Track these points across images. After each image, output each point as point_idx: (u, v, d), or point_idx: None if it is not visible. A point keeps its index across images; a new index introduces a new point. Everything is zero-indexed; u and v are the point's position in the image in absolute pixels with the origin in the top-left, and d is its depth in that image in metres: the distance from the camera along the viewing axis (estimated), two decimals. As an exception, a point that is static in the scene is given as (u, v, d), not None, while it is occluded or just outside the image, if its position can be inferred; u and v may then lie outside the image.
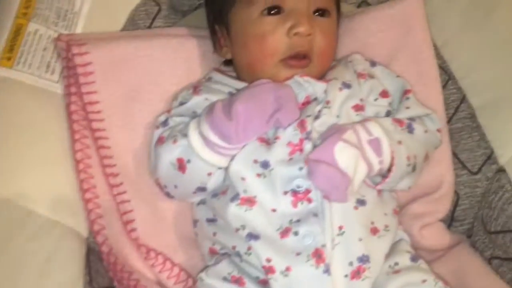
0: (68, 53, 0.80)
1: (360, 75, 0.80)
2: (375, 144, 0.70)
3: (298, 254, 0.67)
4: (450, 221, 0.87)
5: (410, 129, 0.76)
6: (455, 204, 0.86)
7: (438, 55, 0.89)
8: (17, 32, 0.81)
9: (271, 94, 0.70)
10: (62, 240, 0.72)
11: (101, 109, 0.80)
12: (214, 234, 0.75)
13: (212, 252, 0.76)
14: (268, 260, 0.67)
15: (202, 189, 0.75)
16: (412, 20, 0.87)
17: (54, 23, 0.84)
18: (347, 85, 0.77)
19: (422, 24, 0.87)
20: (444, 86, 0.88)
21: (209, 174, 0.73)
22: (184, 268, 0.80)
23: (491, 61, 0.85)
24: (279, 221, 0.69)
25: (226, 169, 0.73)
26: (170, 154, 0.73)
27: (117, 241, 0.77)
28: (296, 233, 0.68)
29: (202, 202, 0.78)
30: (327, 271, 0.66)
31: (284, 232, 0.69)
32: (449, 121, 0.88)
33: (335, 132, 0.70)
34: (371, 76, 0.80)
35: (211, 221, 0.76)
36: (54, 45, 0.82)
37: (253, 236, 0.69)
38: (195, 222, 0.80)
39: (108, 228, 0.76)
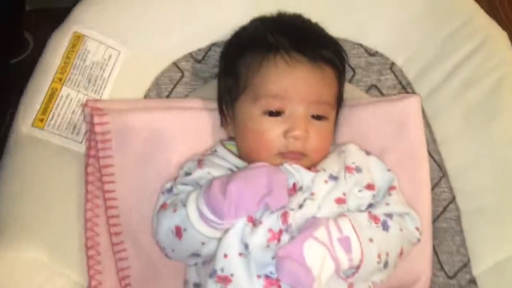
0: (91, 120, 0.90)
1: (347, 169, 0.84)
2: (345, 242, 0.75)
3: None
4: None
5: (384, 226, 0.80)
6: (429, 302, 0.89)
7: (437, 151, 0.92)
8: (51, 96, 0.91)
9: (264, 178, 0.75)
10: None
11: (114, 172, 0.89)
12: (197, 296, 0.84)
13: (195, 310, 0.85)
14: None
15: (196, 255, 0.82)
16: (409, 119, 0.91)
17: (84, 87, 0.93)
18: (333, 177, 0.83)
19: (418, 124, 0.91)
20: (437, 183, 0.91)
21: (203, 243, 0.80)
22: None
23: (483, 169, 0.86)
24: None
25: (219, 239, 0.80)
26: (169, 221, 0.81)
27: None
28: None
29: (194, 264, 0.87)
30: None
31: None
32: (436, 219, 0.90)
33: (309, 227, 0.76)
34: (359, 170, 0.85)
35: (197, 285, 0.85)
36: (82, 110, 0.92)
37: None
38: (185, 282, 0.89)
39: (103, 284, 0.87)
